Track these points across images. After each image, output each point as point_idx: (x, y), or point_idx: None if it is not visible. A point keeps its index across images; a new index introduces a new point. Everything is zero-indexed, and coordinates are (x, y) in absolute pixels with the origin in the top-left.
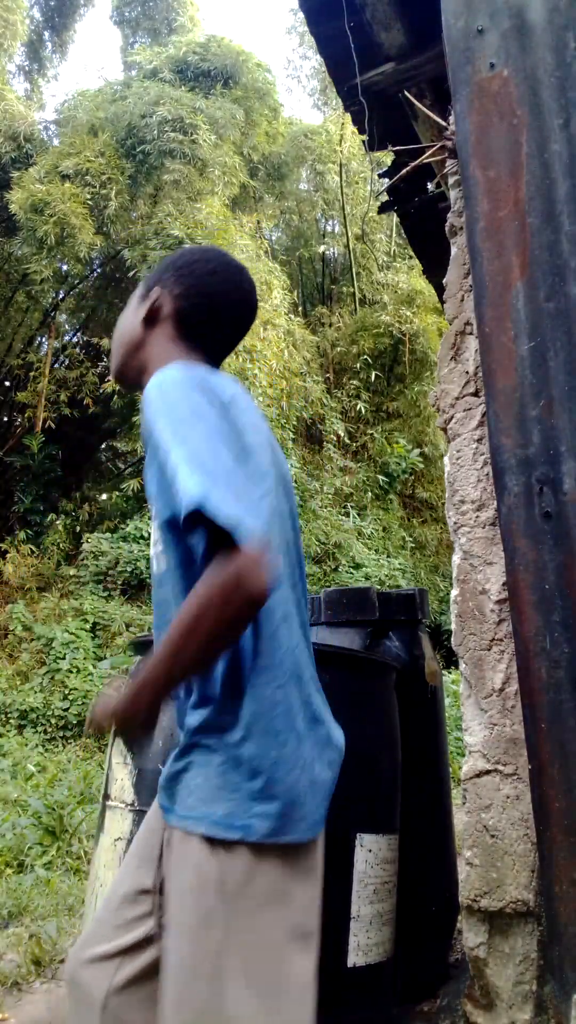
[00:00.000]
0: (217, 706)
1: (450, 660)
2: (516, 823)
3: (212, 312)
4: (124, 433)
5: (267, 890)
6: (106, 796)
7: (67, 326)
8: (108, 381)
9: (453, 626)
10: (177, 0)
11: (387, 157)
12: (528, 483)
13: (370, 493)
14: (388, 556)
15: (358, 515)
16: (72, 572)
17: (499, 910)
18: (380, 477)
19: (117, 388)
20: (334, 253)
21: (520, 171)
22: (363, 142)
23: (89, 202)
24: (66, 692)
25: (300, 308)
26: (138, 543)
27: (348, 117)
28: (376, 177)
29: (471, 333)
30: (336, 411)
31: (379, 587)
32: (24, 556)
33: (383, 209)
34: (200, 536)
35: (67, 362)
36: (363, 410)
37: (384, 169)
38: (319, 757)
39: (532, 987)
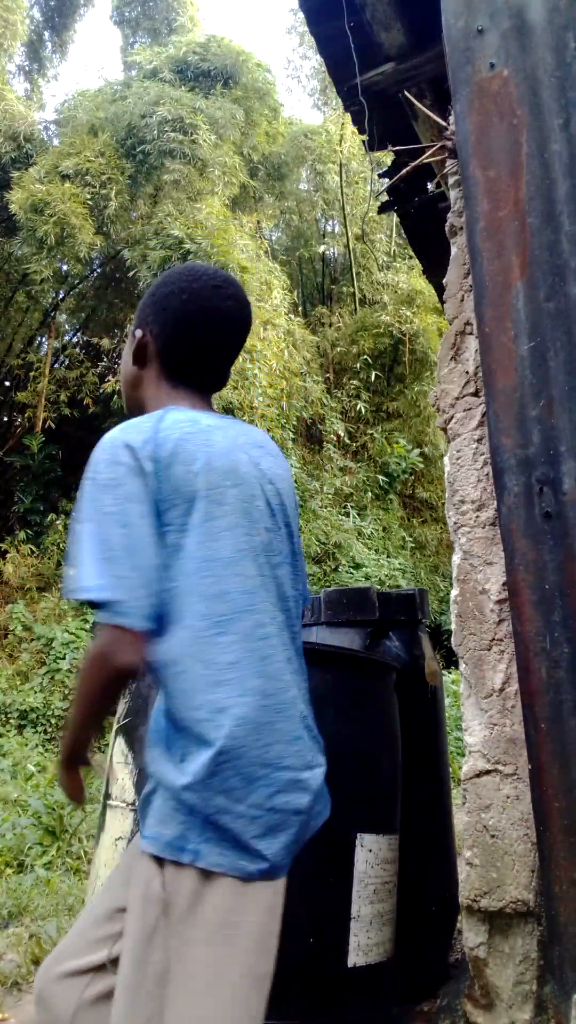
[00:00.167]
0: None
1: (450, 660)
2: (516, 823)
3: (194, 345)
4: None
5: (215, 920)
6: (107, 796)
7: (67, 326)
8: (108, 381)
9: (453, 626)
10: (177, 0)
11: (387, 157)
12: (528, 483)
13: (370, 493)
14: (388, 556)
15: (358, 515)
16: None
17: (499, 910)
18: (380, 477)
19: (118, 388)
20: (334, 253)
21: (520, 171)
22: (363, 142)
23: (89, 202)
24: (66, 692)
25: (300, 308)
26: None
27: (348, 117)
28: (376, 177)
29: (471, 333)
30: (336, 411)
31: (379, 587)
32: (24, 556)
33: (383, 209)
34: None
35: (67, 362)
36: (363, 410)
37: (384, 169)
38: (290, 800)
39: (532, 987)
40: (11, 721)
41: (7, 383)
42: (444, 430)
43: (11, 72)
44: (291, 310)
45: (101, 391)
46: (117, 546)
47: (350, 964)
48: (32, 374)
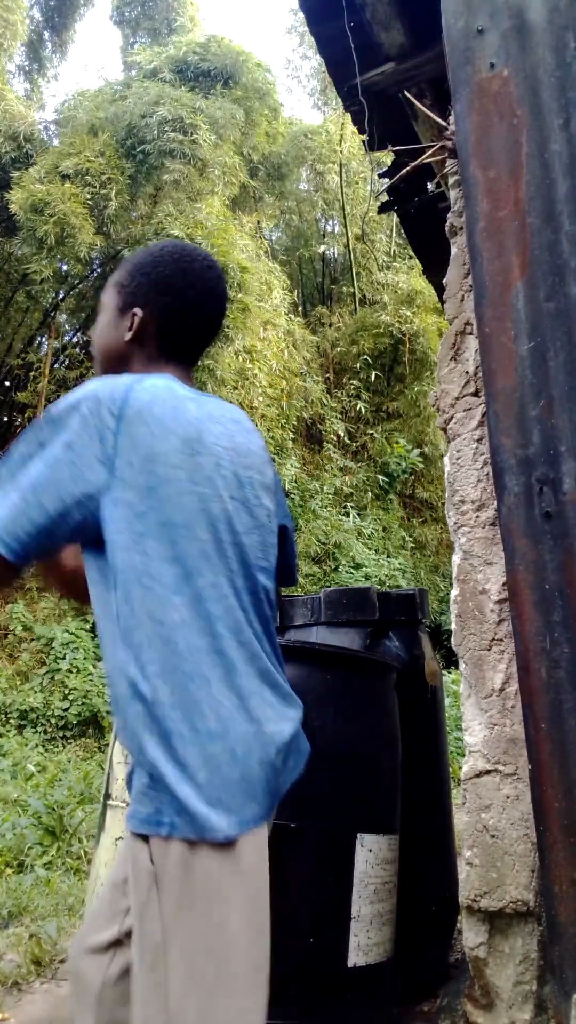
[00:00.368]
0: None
1: (450, 660)
2: (516, 823)
3: (192, 324)
4: None
5: (207, 884)
6: (107, 795)
7: (67, 326)
8: None
9: (453, 626)
10: (177, 0)
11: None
12: (528, 483)
13: (370, 493)
14: (388, 556)
15: (358, 515)
16: None
17: (499, 910)
18: (380, 477)
19: None
20: (334, 253)
21: (520, 171)
22: (363, 142)
23: (89, 202)
24: (66, 692)
25: (300, 308)
26: None
27: (348, 117)
28: (376, 177)
29: (471, 333)
30: (336, 411)
31: (379, 587)
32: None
33: (383, 209)
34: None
35: (67, 362)
36: (363, 410)
37: (384, 169)
38: (252, 754)
39: (532, 987)
40: (11, 721)
41: (7, 383)
42: (444, 430)
43: (11, 72)
44: (291, 310)
45: None
46: (30, 477)
47: (350, 964)
48: (32, 374)
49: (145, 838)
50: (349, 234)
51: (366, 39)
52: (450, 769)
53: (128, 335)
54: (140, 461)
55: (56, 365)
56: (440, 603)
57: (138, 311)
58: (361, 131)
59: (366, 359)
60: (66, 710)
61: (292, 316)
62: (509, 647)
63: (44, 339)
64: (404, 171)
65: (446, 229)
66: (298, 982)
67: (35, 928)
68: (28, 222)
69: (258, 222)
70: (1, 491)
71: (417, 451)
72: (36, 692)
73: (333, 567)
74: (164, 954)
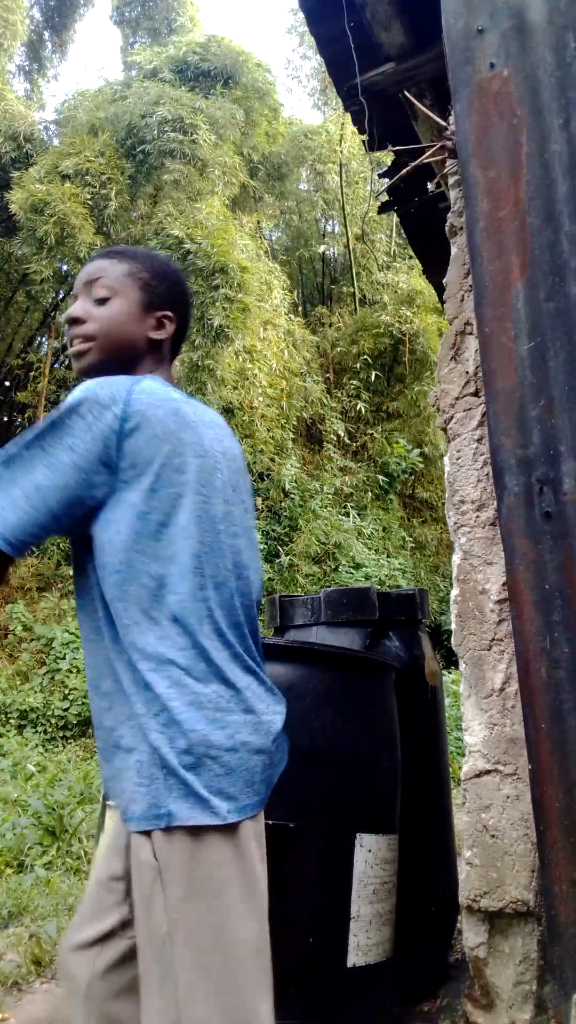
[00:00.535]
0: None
1: (450, 660)
2: (516, 823)
3: (183, 337)
4: None
5: (211, 874)
6: (106, 795)
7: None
8: None
9: (453, 626)
10: (177, 0)
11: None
12: (528, 483)
13: (370, 493)
14: (388, 556)
15: (358, 515)
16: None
17: (499, 910)
18: (380, 477)
19: None
20: (334, 253)
21: (520, 171)
22: (363, 142)
23: (89, 202)
24: (66, 692)
25: (300, 308)
26: None
27: (348, 117)
28: (376, 177)
29: (471, 333)
30: (336, 411)
31: (379, 587)
32: (24, 556)
33: (383, 209)
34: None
35: (67, 362)
36: (363, 410)
37: (384, 169)
38: (251, 743)
39: (532, 987)
40: (11, 721)
41: (7, 383)
42: (444, 430)
43: (11, 72)
44: (291, 310)
45: None
46: (34, 479)
47: (350, 964)
48: (32, 374)
49: (147, 834)
50: (349, 234)
51: (366, 39)
52: (450, 769)
53: (158, 335)
54: (143, 463)
55: (56, 365)
56: (440, 603)
57: (171, 315)
58: (361, 131)
59: (366, 359)
60: (66, 710)
61: (292, 316)
62: (509, 647)
63: (44, 339)
64: (404, 171)
65: (446, 229)
66: (297, 982)
67: (35, 928)
68: (28, 222)
69: (258, 222)
70: (4, 492)
71: (417, 451)
72: (36, 692)
73: (333, 567)
74: (170, 946)
